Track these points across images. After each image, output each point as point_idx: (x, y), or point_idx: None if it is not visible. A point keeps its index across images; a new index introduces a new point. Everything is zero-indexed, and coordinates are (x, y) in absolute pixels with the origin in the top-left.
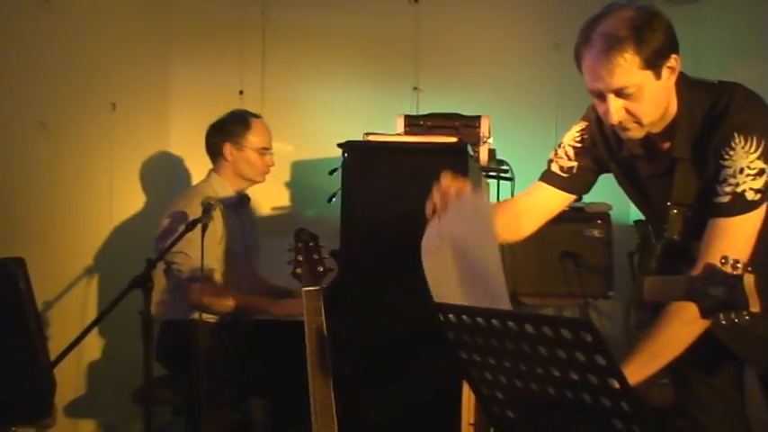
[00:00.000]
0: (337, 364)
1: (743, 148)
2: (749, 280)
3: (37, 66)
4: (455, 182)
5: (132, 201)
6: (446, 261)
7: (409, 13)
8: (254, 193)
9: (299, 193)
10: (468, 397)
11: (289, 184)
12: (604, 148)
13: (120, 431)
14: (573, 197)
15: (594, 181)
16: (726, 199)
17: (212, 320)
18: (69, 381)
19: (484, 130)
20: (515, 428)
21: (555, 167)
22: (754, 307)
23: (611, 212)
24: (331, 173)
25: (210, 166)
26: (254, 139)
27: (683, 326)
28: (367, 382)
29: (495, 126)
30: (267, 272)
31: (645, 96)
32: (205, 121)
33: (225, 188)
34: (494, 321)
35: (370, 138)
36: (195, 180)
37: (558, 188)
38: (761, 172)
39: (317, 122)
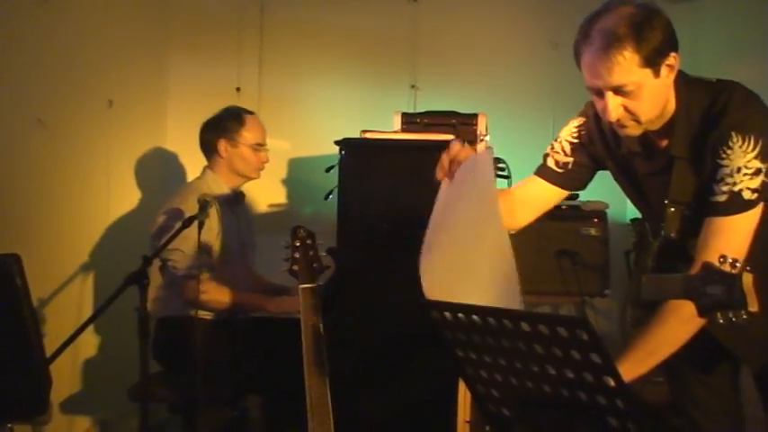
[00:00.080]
0: (333, 361)
1: (740, 147)
2: (747, 279)
3: (34, 63)
4: (464, 149)
5: (129, 198)
6: (449, 225)
7: (407, 10)
8: (250, 190)
9: (296, 190)
10: (464, 395)
11: (285, 182)
12: (602, 145)
13: (116, 428)
14: (567, 193)
15: (590, 178)
16: (723, 198)
17: (208, 317)
18: (65, 377)
19: (481, 127)
20: (511, 426)
21: (550, 162)
22: (753, 306)
23: (607, 211)
24: (328, 170)
25: (206, 163)
26: (248, 135)
27: (680, 324)
28: (363, 380)
29: (492, 124)
30: (263, 269)
31: (643, 94)
32: (202, 118)
33: (220, 185)
34: (489, 319)
35: (367, 135)
36: (192, 177)
37: (552, 183)
38: (758, 171)
39: (315, 120)
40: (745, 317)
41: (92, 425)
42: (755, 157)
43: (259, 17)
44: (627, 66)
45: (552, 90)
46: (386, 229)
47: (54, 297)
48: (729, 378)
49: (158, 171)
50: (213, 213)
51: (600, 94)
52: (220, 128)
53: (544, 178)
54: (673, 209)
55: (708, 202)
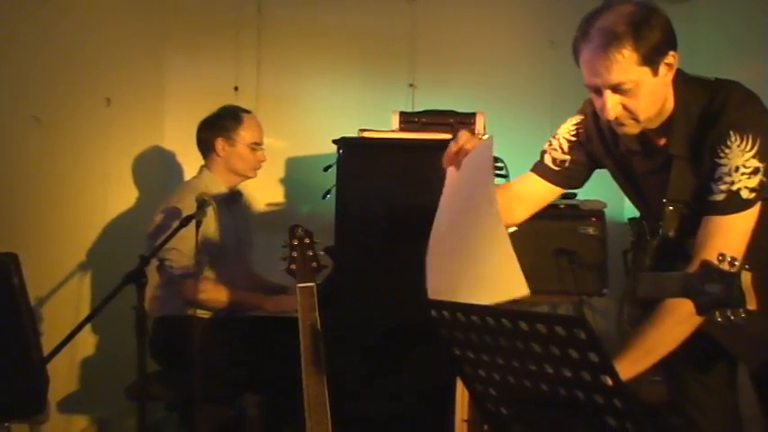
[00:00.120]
0: (331, 360)
1: (739, 146)
2: (746, 278)
3: (32, 61)
4: (471, 139)
5: (126, 196)
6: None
7: (405, 10)
8: (248, 188)
9: (294, 189)
10: (461, 393)
11: (283, 181)
12: (600, 143)
13: (114, 427)
14: (562, 190)
15: (587, 176)
16: (721, 197)
17: (206, 316)
18: (63, 376)
19: (479, 126)
20: (509, 425)
21: (547, 159)
22: (751, 305)
23: (605, 210)
24: (326, 169)
25: (203, 162)
26: (245, 134)
27: (677, 323)
28: (361, 379)
29: (490, 123)
30: (261, 268)
31: (642, 92)
32: (200, 116)
33: (217, 184)
34: (487, 318)
35: (365, 134)
36: (190, 176)
37: (549, 181)
38: (756, 170)
39: (313, 119)
40: (743, 315)
41: (89, 424)
42: (754, 157)
43: (257, 16)
44: (625, 64)
45: (550, 89)
46: (384, 228)
47: (51, 296)
48: (727, 377)
49: (156, 170)
50: (210, 212)
51: (598, 91)
52: (218, 127)
53: (540, 176)
54: (671, 207)
55: (706, 201)
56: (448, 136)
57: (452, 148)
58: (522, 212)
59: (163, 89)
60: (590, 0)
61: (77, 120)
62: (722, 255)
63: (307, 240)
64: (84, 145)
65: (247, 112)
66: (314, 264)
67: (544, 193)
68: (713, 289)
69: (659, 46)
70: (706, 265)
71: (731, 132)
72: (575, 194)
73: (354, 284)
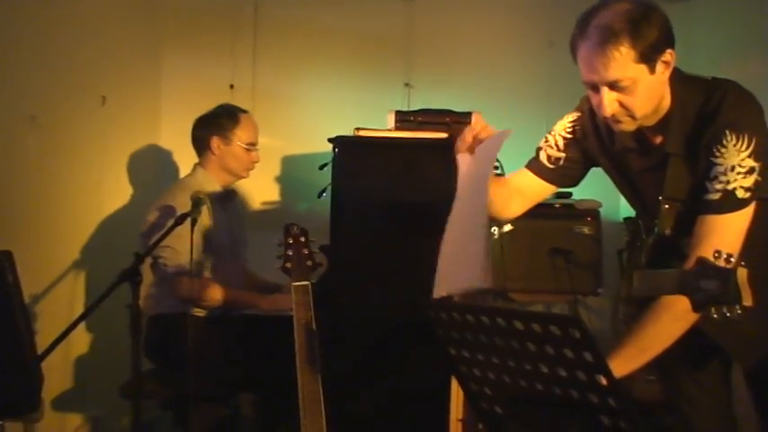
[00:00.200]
0: (326, 358)
1: (734, 145)
2: (742, 274)
3: (28, 59)
4: (486, 127)
5: (122, 195)
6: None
7: (402, 9)
8: (244, 187)
9: (289, 187)
10: (456, 393)
11: (279, 179)
12: (595, 141)
13: (108, 425)
14: (556, 188)
15: (582, 174)
16: (716, 196)
17: (201, 315)
18: (57, 375)
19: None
20: (504, 424)
21: (543, 156)
22: (747, 301)
23: (600, 209)
24: (321, 168)
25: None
26: (241, 134)
27: (673, 320)
28: (356, 378)
29: (487, 122)
30: (256, 266)
31: (638, 90)
32: (195, 114)
33: (211, 182)
34: (482, 318)
35: (361, 133)
36: (184, 174)
37: (543, 179)
38: (751, 170)
39: (308, 117)
40: (739, 312)
41: (83, 422)
42: (749, 156)
43: (253, 15)
44: (623, 61)
45: (547, 88)
46: (379, 226)
47: (46, 294)
48: (721, 376)
49: (152, 168)
50: (204, 211)
51: (595, 88)
52: (214, 125)
53: (535, 173)
54: (667, 206)
55: (701, 200)
56: (444, 135)
57: (467, 134)
58: (518, 207)
59: (159, 87)
60: (588, 0)
61: (73, 118)
62: (718, 251)
63: (302, 239)
64: (79, 143)
65: (244, 111)
66: (309, 262)
67: (539, 189)
68: (709, 285)
69: (657, 44)
70: (702, 261)
71: (727, 132)
72: (570, 194)
73: (349, 283)
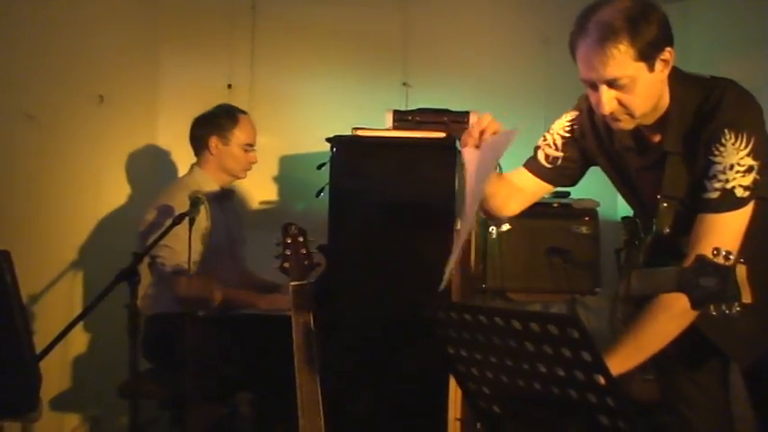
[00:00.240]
0: (324, 358)
1: (733, 144)
2: (741, 271)
3: (25, 58)
4: (494, 122)
5: (119, 194)
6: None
7: (399, 8)
8: (242, 186)
9: (287, 187)
10: (454, 392)
11: (277, 179)
12: (594, 140)
13: (106, 425)
14: (554, 188)
15: (580, 174)
16: (715, 195)
17: (199, 314)
18: (55, 375)
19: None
20: (502, 424)
21: (540, 155)
22: (746, 298)
23: (598, 209)
24: (319, 167)
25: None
26: (240, 134)
27: (671, 319)
28: (354, 377)
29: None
30: (255, 266)
31: (637, 88)
32: (193, 114)
33: (208, 182)
34: (481, 317)
35: (359, 132)
36: (182, 174)
37: (540, 178)
38: (750, 169)
39: (306, 117)
40: (738, 309)
41: (81, 422)
42: (748, 155)
43: (251, 14)
44: (622, 59)
45: (544, 86)
46: (377, 226)
47: (44, 294)
48: (718, 375)
49: (149, 168)
50: (202, 210)
51: (594, 86)
52: (213, 124)
53: (532, 172)
54: (665, 204)
55: (700, 199)
56: (441, 134)
57: (475, 129)
58: (517, 205)
59: (157, 87)
60: None
61: (70, 117)
62: (717, 249)
63: (300, 238)
64: (77, 142)
65: (243, 112)
66: (307, 262)
67: (536, 188)
68: (708, 283)
69: (656, 42)
70: (700, 258)
71: (726, 130)
72: (568, 193)
73: (348, 283)
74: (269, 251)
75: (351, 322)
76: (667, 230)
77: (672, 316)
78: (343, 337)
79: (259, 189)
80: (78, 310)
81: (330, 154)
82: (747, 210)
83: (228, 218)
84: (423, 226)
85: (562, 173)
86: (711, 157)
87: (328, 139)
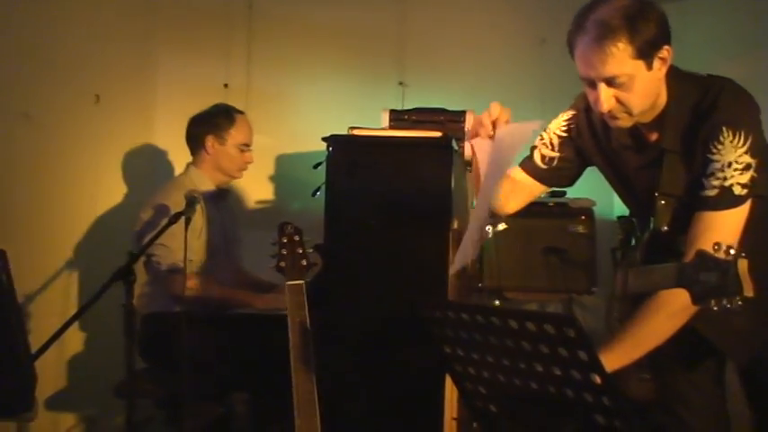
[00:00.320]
0: (320, 358)
1: (731, 142)
2: (743, 265)
3: (21, 57)
4: (504, 111)
5: (115, 193)
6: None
7: (395, 8)
8: (238, 186)
9: (284, 186)
10: (451, 391)
11: (273, 178)
12: (590, 139)
13: (102, 425)
14: (549, 188)
15: (577, 174)
16: (713, 192)
17: (195, 313)
18: (50, 374)
19: (469, 125)
20: (498, 423)
21: (536, 156)
22: (748, 292)
23: (594, 208)
24: (315, 167)
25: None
26: (236, 134)
27: (668, 317)
28: (350, 377)
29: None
30: (251, 265)
31: (635, 86)
32: (189, 113)
33: (204, 181)
34: (477, 316)
35: (355, 132)
36: (178, 173)
37: (535, 179)
38: (748, 166)
39: (302, 116)
40: (740, 303)
41: (77, 421)
42: (746, 153)
43: (247, 13)
44: (620, 57)
45: (541, 86)
46: (373, 225)
47: (40, 293)
48: (714, 375)
49: (145, 167)
50: (197, 209)
51: (592, 84)
52: (210, 123)
53: (528, 173)
54: (663, 201)
55: (698, 197)
56: (438, 134)
57: (485, 119)
58: (515, 204)
59: (153, 86)
60: None
61: (67, 116)
62: (718, 244)
63: (296, 238)
64: (73, 142)
65: (240, 112)
66: (303, 261)
67: (532, 188)
68: (709, 278)
69: (654, 40)
70: (701, 254)
71: (724, 128)
72: (564, 192)
73: (344, 282)
74: (265, 250)
75: (347, 322)
76: (665, 228)
77: (669, 314)
78: (339, 337)
79: (255, 188)
80: (74, 309)
81: (326, 153)
82: (745, 207)
83: (224, 217)
84: (419, 225)
85: (558, 173)
86: (709, 155)
87: (324, 139)
